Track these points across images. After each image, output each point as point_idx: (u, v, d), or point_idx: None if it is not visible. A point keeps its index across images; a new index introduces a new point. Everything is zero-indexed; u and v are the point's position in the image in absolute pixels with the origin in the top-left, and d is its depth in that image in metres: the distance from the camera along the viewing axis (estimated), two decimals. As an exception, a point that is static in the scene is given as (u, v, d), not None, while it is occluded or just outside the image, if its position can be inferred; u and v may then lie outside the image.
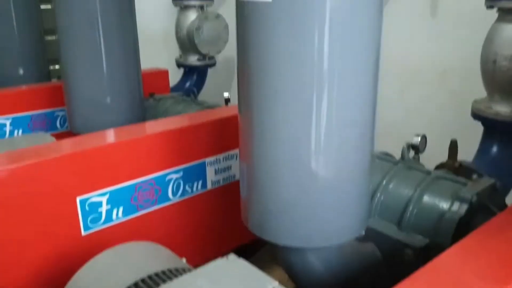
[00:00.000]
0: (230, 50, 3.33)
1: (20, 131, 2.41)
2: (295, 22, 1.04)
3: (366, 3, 1.08)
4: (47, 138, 1.78)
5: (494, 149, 1.89)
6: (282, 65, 1.07)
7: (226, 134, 1.86)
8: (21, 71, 2.71)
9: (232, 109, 1.97)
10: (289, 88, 1.09)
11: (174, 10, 3.36)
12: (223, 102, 2.49)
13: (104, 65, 2.07)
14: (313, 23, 1.03)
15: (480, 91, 1.99)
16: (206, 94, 3.49)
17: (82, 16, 2.02)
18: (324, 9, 1.02)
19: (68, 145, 1.62)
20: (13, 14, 2.67)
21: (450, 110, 2.54)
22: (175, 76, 3.41)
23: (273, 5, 1.04)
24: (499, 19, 1.85)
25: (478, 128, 1.99)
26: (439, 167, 1.73)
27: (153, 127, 1.82)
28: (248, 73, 1.15)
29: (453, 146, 1.68)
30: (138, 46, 2.22)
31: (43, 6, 2.90)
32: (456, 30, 2.49)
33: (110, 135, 1.74)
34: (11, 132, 2.38)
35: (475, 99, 2.02)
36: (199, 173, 1.80)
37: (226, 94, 2.49)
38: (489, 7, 1.86)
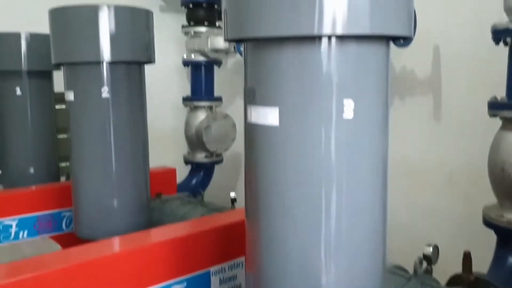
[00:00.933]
0: (237, 146, 3.39)
1: (26, 232, 2.38)
2: (302, 143, 1.06)
3: (372, 123, 1.10)
4: (52, 246, 1.76)
5: (510, 259, 1.83)
6: (290, 180, 1.08)
7: (232, 241, 1.81)
8: (31, 170, 2.73)
9: (239, 213, 1.95)
10: (296, 202, 1.08)
11: (184, 110, 3.47)
12: (229, 200, 2.48)
13: (114, 168, 2.08)
14: (319, 143, 1.05)
15: (488, 193, 1.97)
16: (213, 190, 3.50)
17: (95, 119, 2.08)
18: (330, 132, 1.04)
19: (71, 256, 1.58)
20: (29, 116, 2.72)
21: (459, 212, 2.51)
22: (182, 171, 3.44)
23: (280, 129, 1.07)
24: (503, 128, 1.87)
25: (489, 230, 1.94)
26: (454, 279, 1.66)
27: (158, 234, 1.79)
28: (255, 187, 1.15)
29: (467, 258, 1.62)
30: (148, 148, 2.26)
31: (57, 106, 2.98)
32: (460, 134, 2.52)
33: (115, 244, 1.70)
34: (17, 233, 2.36)
35: (485, 204, 1.99)
36: (203, 283, 1.73)
37: (232, 194, 2.49)
38: (492, 115, 1.89)
